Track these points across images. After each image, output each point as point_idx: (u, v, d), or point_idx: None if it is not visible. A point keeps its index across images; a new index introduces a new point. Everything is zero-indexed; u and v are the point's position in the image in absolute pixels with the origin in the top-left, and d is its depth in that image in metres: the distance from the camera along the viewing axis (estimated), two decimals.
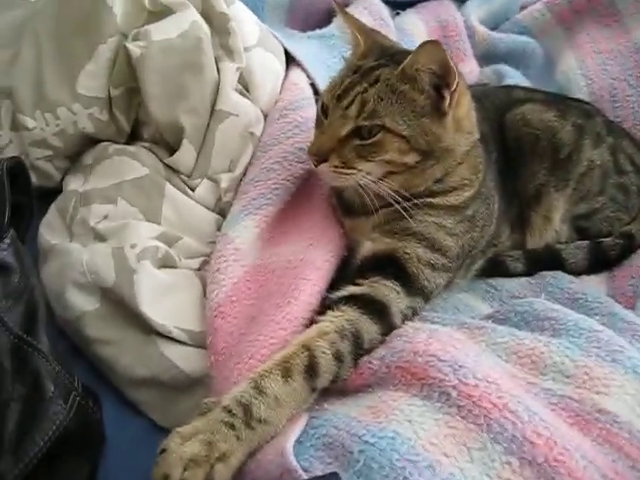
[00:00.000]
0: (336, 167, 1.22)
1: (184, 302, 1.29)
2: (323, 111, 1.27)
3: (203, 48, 1.41)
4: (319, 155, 1.23)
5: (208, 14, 1.48)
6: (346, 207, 1.38)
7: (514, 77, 1.93)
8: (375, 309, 1.17)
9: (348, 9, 1.88)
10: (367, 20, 1.77)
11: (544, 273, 1.46)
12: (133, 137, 1.52)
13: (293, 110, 1.51)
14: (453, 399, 0.98)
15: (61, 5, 1.47)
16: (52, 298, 1.31)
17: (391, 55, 1.28)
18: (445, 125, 1.25)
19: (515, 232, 1.53)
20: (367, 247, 1.29)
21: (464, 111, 1.30)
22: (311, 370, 1.06)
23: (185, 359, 1.25)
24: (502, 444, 0.92)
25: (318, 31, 1.85)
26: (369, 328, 1.14)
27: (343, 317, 1.14)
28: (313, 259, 1.26)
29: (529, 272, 1.49)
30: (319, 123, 1.29)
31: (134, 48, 1.38)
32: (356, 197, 1.31)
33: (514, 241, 1.53)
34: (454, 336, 1.11)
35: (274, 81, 1.57)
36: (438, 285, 1.30)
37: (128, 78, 1.44)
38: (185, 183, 1.43)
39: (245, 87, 1.51)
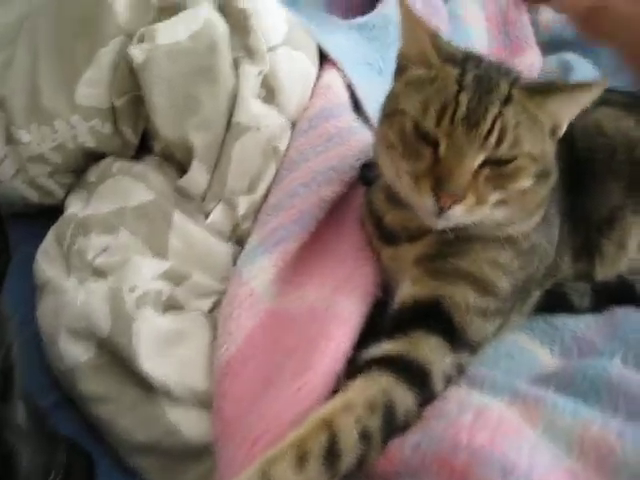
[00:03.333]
0: (470, 207, 1.00)
1: (191, 354, 1.12)
2: (422, 137, 1.02)
3: (218, 51, 1.22)
4: (459, 195, 0.98)
5: (225, 9, 1.28)
6: (386, 234, 1.18)
7: (582, 69, 1.68)
8: (414, 374, 0.98)
9: None
10: (414, 7, 1.53)
11: (615, 310, 1.23)
12: (144, 149, 1.33)
13: (325, 119, 1.30)
14: None
15: (61, 2, 1.28)
16: (46, 343, 1.15)
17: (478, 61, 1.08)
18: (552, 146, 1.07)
19: (581, 260, 1.30)
20: (407, 291, 1.09)
21: None
22: (332, 454, 0.87)
23: (190, 423, 1.07)
24: None
25: (359, 19, 1.61)
26: (405, 398, 0.95)
27: (374, 386, 0.95)
28: (340, 309, 1.08)
29: (597, 308, 1.26)
30: (414, 154, 1.03)
31: (137, 52, 1.19)
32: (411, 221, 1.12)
33: (578, 270, 1.29)
34: (505, 418, 0.91)
35: (304, 84, 1.35)
36: (489, 334, 1.11)
37: (133, 86, 1.25)
38: (198, 208, 1.24)
39: (270, 92, 1.30)
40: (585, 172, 1.29)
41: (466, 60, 1.07)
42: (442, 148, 0.99)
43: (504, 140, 0.98)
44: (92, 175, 1.31)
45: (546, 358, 1.18)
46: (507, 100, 1.00)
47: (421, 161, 1.01)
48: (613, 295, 1.27)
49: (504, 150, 0.99)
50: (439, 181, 0.98)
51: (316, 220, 1.19)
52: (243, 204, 1.24)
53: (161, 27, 1.21)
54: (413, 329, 1.02)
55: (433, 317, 1.05)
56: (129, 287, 1.11)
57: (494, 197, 1.01)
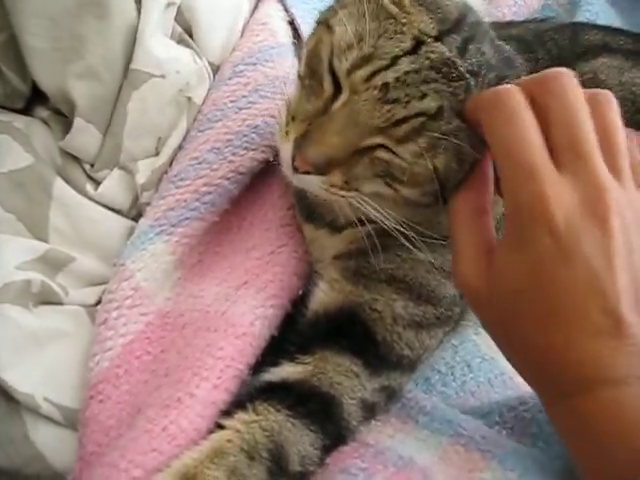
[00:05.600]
0: (332, 186, 0.76)
1: (63, 361, 0.90)
2: (331, 73, 0.75)
3: None
4: (319, 168, 0.75)
5: None
6: (307, 210, 0.95)
7: (595, 3, 1.38)
8: (317, 407, 0.78)
9: None
10: None
11: None
12: (43, 98, 1.07)
13: (253, 65, 1.04)
14: None
15: None
16: None
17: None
18: None
19: None
20: (320, 296, 0.87)
21: None
22: None
23: (56, 449, 0.86)
24: None
25: None
26: (300, 441, 0.75)
27: (258, 424, 0.74)
28: (239, 315, 0.85)
29: None
30: (311, 87, 0.78)
31: None
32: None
33: None
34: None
35: (232, 20, 1.08)
36: (429, 347, 0.89)
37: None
38: (89, 176, 1.00)
39: (186, 30, 1.04)
40: None
41: (458, 25, 0.75)
42: (339, 102, 0.74)
43: (412, 142, 0.72)
44: None
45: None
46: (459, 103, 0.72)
47: (311, 102, 0.77)
48: None
49: (405, 152, 0.73)
50: (306, 136, 0.74)
51: (229, 196, 0.95)
52: (144, 170, 1.00)
53: None
54: (321, 347, 0.81)
55: (348, 331, 0.83)
56: None
57: (370, 187, 0.77)
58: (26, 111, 1.07)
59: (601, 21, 1.37)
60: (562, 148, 0.65)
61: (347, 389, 0.79)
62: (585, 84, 0.95)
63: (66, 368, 0.90)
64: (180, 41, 1.04)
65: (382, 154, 0.74)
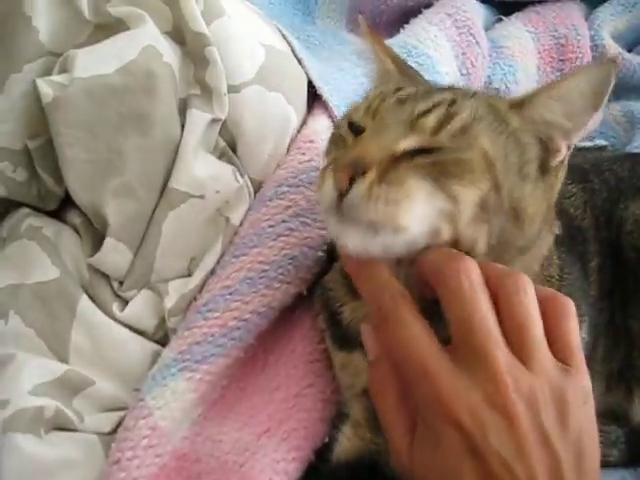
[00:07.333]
0: (379, 183, 0.67)
1: None
2: (350, 129, 0.78)
3: (156, 90, 0.92)
4: (358, 167, 0.67)
5: (181, 31, 0.97)
6: (341, 334, 0.88)
7: None
8: None
9: (424, 14, 1.32)
10: (448, 33, 1.22)
11: None
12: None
13: (296, 187, 0.99)
14: None
15: None
16: None
17: None
18: (536, 193, 0.74)
19: (614, 392, 1.00)
20: (343, 443, 0.82)
21: (557, 189, 0.79)
22: None
23: None
24: None
25: None
26: None
27: None
28: (257, 471, 0.81)
29: (632, 463, 0.96)
30: (336, 147, 0.81)
31: (45, 87, 0.90)
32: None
33: (609, 406, 0.99)
34: None
35: (278, 136, 1.02)
36: None
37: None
38: (115, 293, 0.96)
39: (229, 145, 1.00)
40: (633, 275, 0.97)
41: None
42: (365, 131, 0.75)
43: (446, 126, 0.70)
44: (5, 229, 1.04)
45: None
46: (469, 95, 0.76)
47: (338, 152, 0.78)
48: None
49: (445, 137, 0.70)
50: (340, 158, 0.71)
51: (258, 330, 0.91)
52: (173, 293, 0.95)
53: (82, 54, 0.91)
54: None
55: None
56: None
57: (420, 185, 0.68)
58: (58, 211, 1.03)
59: None
60: (457, 342, 0.65)
61: None
62: None
63: None
64: (222, 155, 1.00)
65: (422, 159, 0.69)
